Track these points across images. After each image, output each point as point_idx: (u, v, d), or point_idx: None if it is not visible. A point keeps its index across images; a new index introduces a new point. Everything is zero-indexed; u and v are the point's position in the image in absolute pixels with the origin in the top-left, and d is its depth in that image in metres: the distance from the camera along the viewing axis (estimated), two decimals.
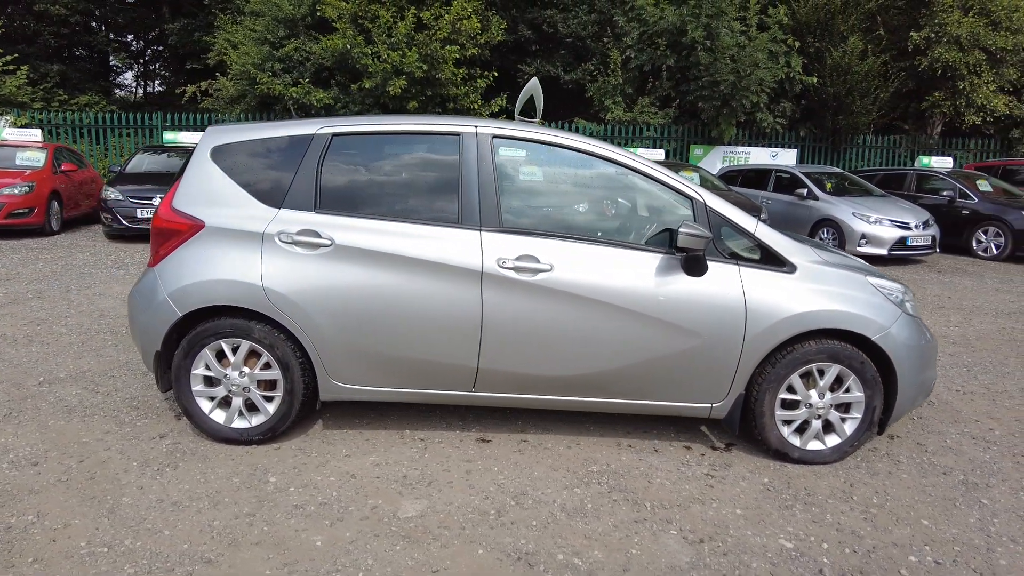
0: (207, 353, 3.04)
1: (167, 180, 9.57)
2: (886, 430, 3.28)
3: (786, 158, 15.25)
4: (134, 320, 3.14)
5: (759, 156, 15.19)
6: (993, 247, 10.32)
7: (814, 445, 3.18)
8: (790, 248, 3.10)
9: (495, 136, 3.09)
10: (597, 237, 3.06)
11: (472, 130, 3.08)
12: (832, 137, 15.61)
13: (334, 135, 3.08)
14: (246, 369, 3.07)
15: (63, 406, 3.51)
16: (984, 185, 11.09)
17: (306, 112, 13.20)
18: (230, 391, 3.09)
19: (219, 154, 3.09)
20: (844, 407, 3.17)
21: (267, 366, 3.07)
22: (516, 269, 2.95)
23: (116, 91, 24.79)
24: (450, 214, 3.03)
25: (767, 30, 13.95)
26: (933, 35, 13.97)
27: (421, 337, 3.00)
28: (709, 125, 14.76)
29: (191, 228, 3.02)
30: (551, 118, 15.52)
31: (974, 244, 10.49)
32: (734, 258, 3.06)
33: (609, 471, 3.03)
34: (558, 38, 16.68)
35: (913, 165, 14.04)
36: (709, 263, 3.00)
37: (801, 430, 3.18)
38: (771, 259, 3.07)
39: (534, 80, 3.40)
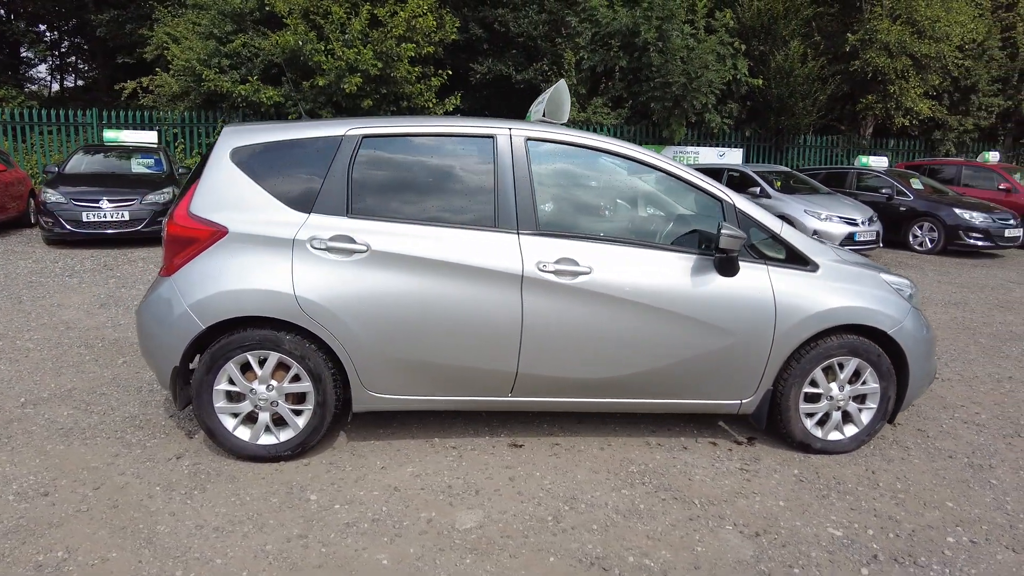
0: (231, 367, 2.88)
1: (112, 182, 9.00)
2: (896, 418, 3.46)
3: (732, 157, 15.81)
4: (147, 334, 2.93)
5: (707, 156, 15.68)
6: (928, 241, 11.03)
7: (834, 436, 3.31)
8: (812, 248, 3.22)
9: (529, 138, 3.06)
10: (631, 239, 3.08)
11: (506, 132, 3.04)
12: (775, 137, 16.31)
13: (364, 136, 2.97)
14: (274, 382, 2.92)
15: (57, 428, 3.24)
16: (917, 183, 11.85)
17: (255, 111, 12.71)
18: (257, 406, 2.94)
19: (240, 156, 2.93)
20: (860, 398, 3.32)
21: (296, 378, 2.93)
22: (556, 272, 2.93)
23: (28, 85, 23.05)
24: (486, 217, 2.98)
25: (715, 33, 14.43)
26: (867, 37, 14.81)
27: (460, 343, 2.94)
28: (660, 125, 15.14)
29: (213, 235, 2.84)
30: (504, 118, 15.53)
31: (911, 239, 11.19)
32: (762, 258, 3.15)
33: (649, 471, 3.06)
34: (509, 37, 16.70)
35: (851, 164, 14.83)
36: (740, 263, 3.07)
37: (822, 422, 3.30)
38: (796, 259, 3.17)
39: (562, 83, 3.39)
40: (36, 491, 2.68)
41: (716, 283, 3.05)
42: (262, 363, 2.90)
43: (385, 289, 2.86)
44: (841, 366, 3.23)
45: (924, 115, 15.55)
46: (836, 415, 3.29)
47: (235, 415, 2.95)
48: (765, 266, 3.12)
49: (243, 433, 2.96)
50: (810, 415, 3.28)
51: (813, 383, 3.23)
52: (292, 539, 2.42)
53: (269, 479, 2.84)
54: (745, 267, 3.09)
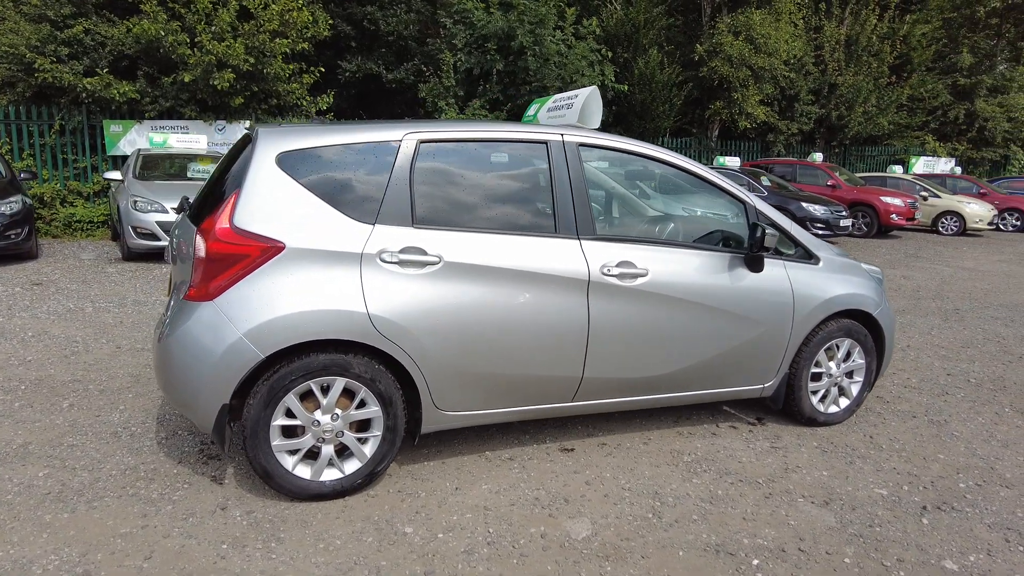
0: (292, 398, 2.57)
1: None
2: (872, 387, 3.97)
3: None
4: (182, 370, 2.52)
5: None
6: None
7: (832, 409, 3.72)
8: (815, 244, 3.59)
9: (580, 144, 3.08)
10: (676, 240, 3.23)
11: (559, 138, 3.03)
12: (639, 139, 17.54)
13: (421, 142, 2.80)
14: (338, 411, 2.66)
15: (43, 494, 2.67)
16: (765, 180, 13.45)
17: (103, 108, 11.14)
18: (321, 439, 2.65)
19: (289, 162, 2.61)
20: (849, 373, 3.77)
21: (361, 404, 2.69)
22: (619, 276, 2.99)
23: None
24: (547, 223, 2.96)
25: (583, 40, 15.19)
26: (712, 49, 16.47)
27: (531, 352, 2.89)
28: None
29: (265, 251, 2.52)
30: (376, 118, 15.09)
31: None
32: (778, 254, 3.46)
33: (700, 459, 3.24)
34: (379, 36, 16.26)
35: (708, 163, 16.42)
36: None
37: (822, 397, 3.70)
38: (804, 254, 3.52)
39: (594, 89, 3.43)
40: (73, 571, 2.20)
41: (748, 279, 3.30)
42: (325, 390, 2.63)
43: (459, 301, 2.73)
44: (837, 347, 3.64)
45: (760, 119, 17.63)
46: (834, 390, 3.71)
47: (293, 452, 2.64)
48: (782, 261, 3.43)
49: (303, 471, 2.66)
50: (814, 392, 3.66)
51: (817, 363, 3.61)
52: (431, 574, 2.24)
53: (346, 517, 2.59)
54: (767, 263, 3.37)
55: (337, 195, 2.65)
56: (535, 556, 2.39)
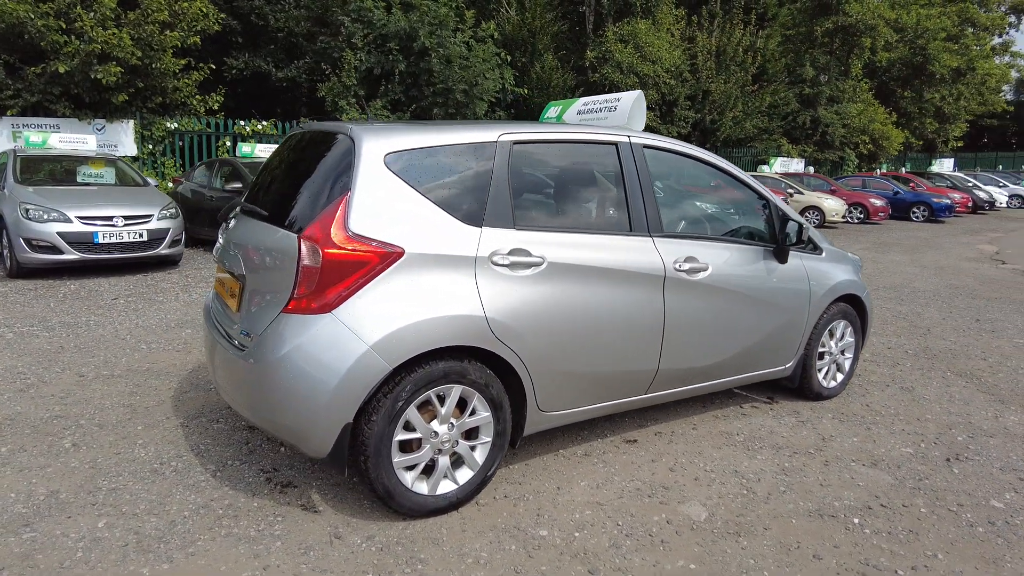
0: (412, 411, 2.46)
1: None
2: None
3: None
4: (296, 390, 2.31)
5: None
6: None
7: (832, 384, 4.17)
8: (818, 236, 4.00)
9: (644, 145, 3.20)
10: (725, 236, 3.46)
11: (626, 139, 3.14)
12: None
13: (514, 143, 2.77)
14: (453, 420, 2.58)
15: (120, 547, 2.32)
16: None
17: None
18: (438, 450, 2.56)
19: (398, 163, 2.49)
20: (842, 351, 4.23)
21: (471, 411, 2.63)
22: (688, 271, 3.16)
23: None
24: (623, 222, 3.05)
25: (482, 43, 15.34)
26: (602, 56, 17.34)
27: (619, 348, 2.98)
28: None
29: (385, 257, 2.38)
30: (269, 118, 14.26)
31: None
32: (794, 247, 3.81)
33: (750, 437, 3.50)
34: (268, 32, 15.34)
35: None
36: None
37: (825, 374, 4.13)
38: (812, 246, 3.91)
39: (640, 93, 3.55)
40: None
41: (778, 270, 3.62)
42: (441, 400, 2.54)
43: (559, 301, 2.75)
44: (836, 328, 4.08)
45: (647, 124, 18.81)
46: (833, 367, 4.15)
47: (411, 467, 2.52)
48: (798, 253, 3.79)
49: (420, 487, 2.55)
50: (820, 370, 4.07)
51: (822, 344, 4.02)
52: (595, 572, 2.25)
53: (472, 529, 2.52)
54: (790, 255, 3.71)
55: (445, 197, 2.57)
56: (675, 541, 2.48)
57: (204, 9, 11.54)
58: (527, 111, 17.13)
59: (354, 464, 2.44)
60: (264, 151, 10.65)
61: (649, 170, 3.18)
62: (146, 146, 11.44)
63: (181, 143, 11.90)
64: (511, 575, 2.25)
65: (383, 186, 2.44)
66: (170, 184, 10.61)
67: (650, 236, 3.10)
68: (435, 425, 2.53)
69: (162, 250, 7.67)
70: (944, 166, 26.90)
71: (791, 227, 3.53)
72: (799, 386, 4.03)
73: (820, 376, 4.05)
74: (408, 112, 15.16)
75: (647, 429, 3.56)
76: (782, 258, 3.61)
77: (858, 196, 19.05)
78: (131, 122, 11.18)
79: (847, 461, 3.24)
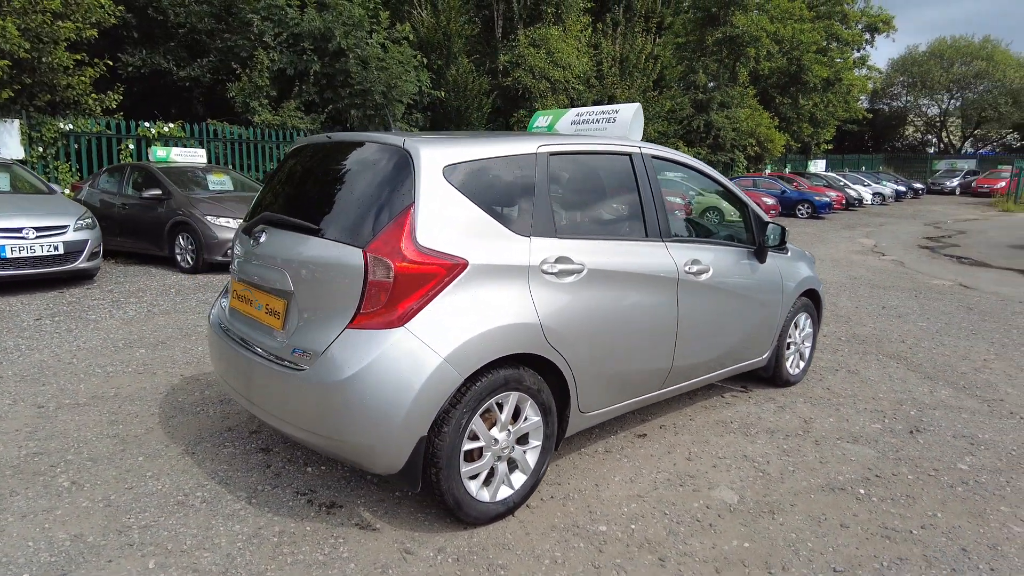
0: (477, 420, 2.50)
1: None
2: None
3: None
4: (378, 406, 2.28)
5: None
6: None
7: (795, 371, 4.58)
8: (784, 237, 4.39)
9: (653, 156, 3.39)
10: (718, 239, 3.72)
11: (638, 150, 3.31)
12: None
13: (550, 154, 2.86)
14: (510, 427, 2.64)
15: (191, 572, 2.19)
16: None
17: None
18: (498, 457, 2.61)
19: (455, 175, 2.50)
20: (803, 340, 4.66)
21: (524, 417, 2.70)
22: (695, 272, 3.39)
23: None
24: (639, 228, 3.23)
25: (398, 44, 15.15)
26: (515, 61, 17.62)
27: (644, 347, 3.15)
28: (359, 131, 15.21)
29: (451, 269, 2.40)
30: (170, 119, 13.34)
31: None
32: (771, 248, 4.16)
33: (743, 424, 3.80)
34: (168, 27, 14.29)
35: None
36: None
37: (791, 363, 4.54)
38: (781, 245, 4.29)
39: (638, 105, 3.71)
40: None
41: (759, 268, 3.95)
42: (500, 407, 2.59)
43: (598, 306, 2.88)
44: (799, 320, 4.50)
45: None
46: (796, 356, 4.57)
47: (474, 476, 2.56)
48: (772, 253, 4.15)
49: (483, 494, 2.58)
50: (787, 359, 4.47)
51: (789, 335, 4.42)
52: (656, 563, 2.39)
53: (536, 531, 2.59)
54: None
55: (497, 208, 2.62)
56: (721, 524, 2.68)
57: (100, 0, 10.60)
58: (444, 114, 17.10)
59: (424, 478, 2.44)
60: (181, 155, 9.96)
61: (657, 179, 3.38)
62: (35, 148, 10.32)
63: (77, 146, 10.84)
64: (591, 571, 2.35)
65: (443, 198, 2.46)
66: (66, 191, 9.66)
67: (662, 241, 3.30)
68: (495, 432, 2.58)
69: (80, 264, 7.01)
70: (818, 167, 29.66)
71: (772, 230, 3.87)
72: (772, 375, 4.40)
73: (788, 364, 4.45)
74: (324, 114, 14.70)
75: (651, 423, 3.77)
76: (762, 258, 3.95)
77: (751, 195, 20.58)
78: (16, 121, 10.06)
79: (833, 440, 3.60)
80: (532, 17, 19.43)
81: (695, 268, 3.39)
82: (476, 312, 2.44)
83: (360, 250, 2.36)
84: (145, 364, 4.59)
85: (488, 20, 20.11)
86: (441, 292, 2.39)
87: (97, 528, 2.52)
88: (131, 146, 11.47)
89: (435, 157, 2.49)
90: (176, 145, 11.68)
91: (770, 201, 19.91)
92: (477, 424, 2.50)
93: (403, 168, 2.47)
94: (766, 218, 4.11)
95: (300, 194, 2.87)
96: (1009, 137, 46.25)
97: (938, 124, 49.95)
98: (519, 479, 2.72)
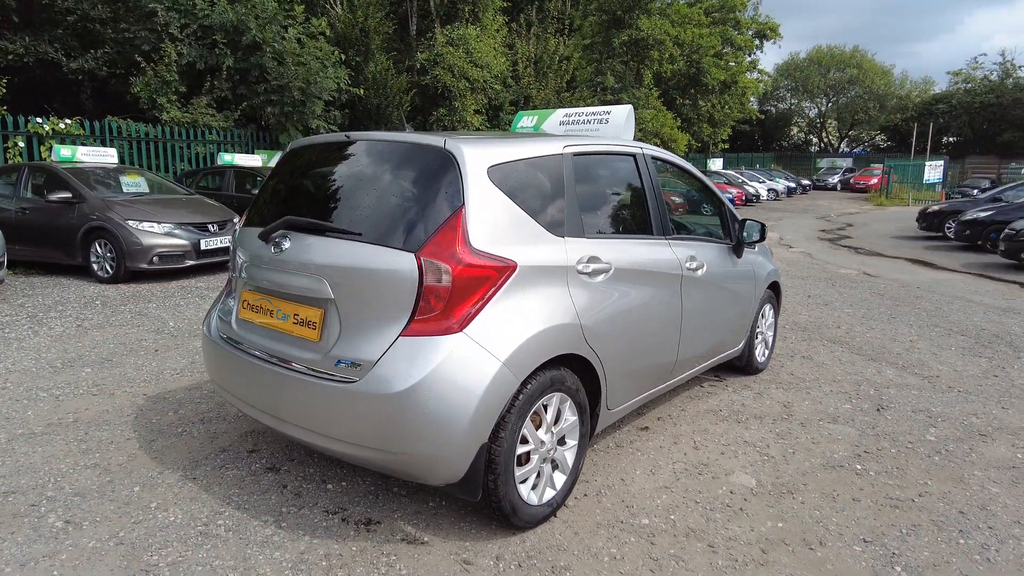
0: (528, 423, 2.48)
1: None
2: None
3: None
4: (442, 415, 2.21)
5: None
6: None
7: (762, 359, 4.88)
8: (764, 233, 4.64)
9: (652, 157, 3.49)
10: (708, 237, 3.89)
11: (640, 151, 3.40)
12: None
13: (574, 155, 2.88)
14: (553, 428, 2.64)
15: None
16: None
17: None
18: (544, 459, 2.60)
19: (498, 176, 2.47)
20: (767, 329, 4.97)
21: (563, 417, 2.71)
22: (694, 268, 3.53)
23: None
24: (647, 227, 3.32)
25: (315, 39, 14.59)
26: (434, 59, 17.45)
27: (658, 342, 3.25)
28: (276, 130, 14.50)
29: (502, 271, 2.37)
30: (59, 115, 12.16)
31: None
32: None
33: (732, 412, 4.00)
34: (54, 14, 12.97)
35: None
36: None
37: (759, 351, 4.82)
38: (760, 241, 4.54)
39: (629, 107, 3.78)
40: None
41: (738, 263, 4.16)
42: (545, 408, 2.59)
43: (624, 304, 2.94)
44: (765, 311, 4.79)
45: (475, 127, 19.35)
46: (763, 345, 4.86)
47: (523, 480, 2.54)
48: (746, 247, 4.39)
49: (532, 497, 2.57)
50: (755, 348, 4.75)
51: (758, 325, 4.70)
52: (715, 546, 2.48)
53: (584, 530, 2.62)
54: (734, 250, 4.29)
55: (535, 208, 2.61)
56: (750, 507, 2.82)
57: None
58: (364, 112, 16.65)
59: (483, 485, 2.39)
60: (89, 155, 9.08)
61: (658, 178, 3.49)
62: None
63: None
64: (650, 563, 2.41)
65: (490, 200, 2.42)
66: None
67: (666, 239, 3.41)
68: (541, 434, 2.58)
69: None
70: (717, 165, 31.49)
71: (751, 226, 4.08)
72: (745, 364, 4.65)
73: (757, 353, 4.73)
74: (238, 111, 13.90)
75: (648, 416, 3.88)
76: (739, 253, 4.17)
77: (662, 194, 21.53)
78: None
79: (816, 421, 3.87)
80: (449, 15, 19.31)
81: (693, 264, 3.53)
82: (526, 315, 2.42)
83: (412, 255, 2.28)
84: (97, 384, 4.18)
85: (403, 17, 19.78)
86: (495, 295, 2.35)
87: (119, 570, 2.28)
88: (20, 144, 10.33)
89: (479, 158, 2.45)
90: (75, 144, 10.65)
91: (679, 200, 20.90)
92: (528, 427, 2.49)
93: (448, 170, 2.40)
94: (738, 215, 4.34)
95: (324, 197, 2.72)
96: (878, 138, 51.18)
97: (818, 125, 54.47)
98: (560, 480, 2.73)
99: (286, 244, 2.57)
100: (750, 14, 36.83)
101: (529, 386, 2.44)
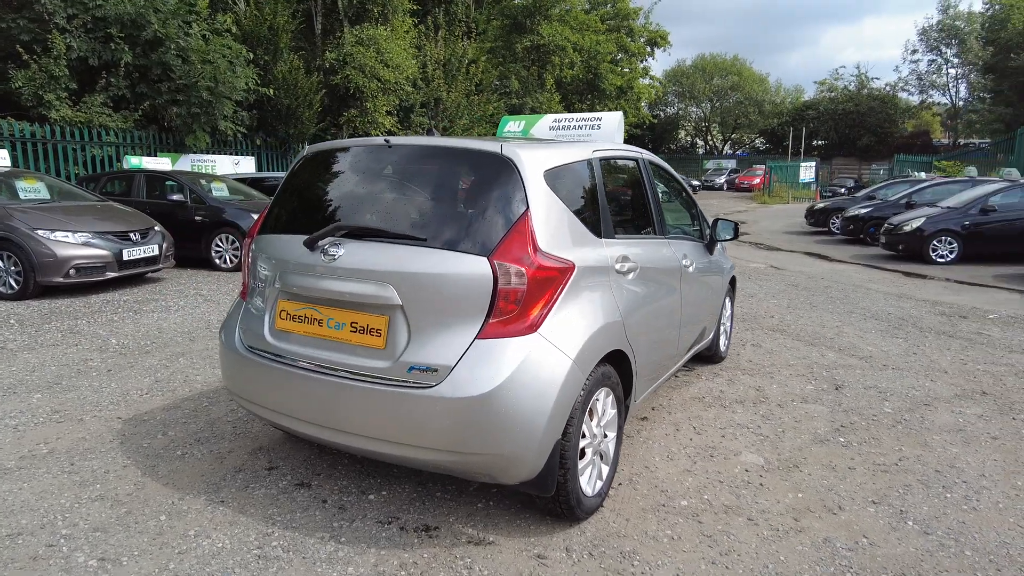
0: (587, 417, 2.59)
1: None
2: None
3: (247, 166, 15.63)
4: (524, 414, 2.27)
5: (224, 164, 14.99)
6: None
7: (723, 347, 5.26)
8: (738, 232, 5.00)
9: (649, 161, 3.69)
10: (691, 235, 4.16)
11: (640, 156, 3.60)
12: (283, 145, 16.84)
13: (600, 159, 3.02)
14: (603, 421, 2.77)
15: None
16: None
17: None
18: (597, 452, 2.72)
19: (551, 180, 2.55)
20: (727, 320, 5.35)
21: (604, 411, 2.84)
22: (687, 265, 3.79)
23: None
24: (652, 227, 3.52)
25: (220, 36, 13.80)
26: (343, 59, 17.01)
27: (667, 335, 3.46)
28: (182, 132, 13.56)
29: (564, 272, 2.47)
30: None
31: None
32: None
33: (716, 398, 4.30)
34: None
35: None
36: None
37: (722, 340, 5.19)
38: (734, 239, 4.88)
39: (620, 113, 3.94)
40: None
41: (711, 259, 4.49)
42: (595, 403, 2.70)
43: (648, 300, 3.13)
44: (726, 303, 5.18)
45: (387, 128, 19.05)
46: (724, 335, 5.24)
47: (582, 473, 2.64)
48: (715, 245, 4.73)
49: (588, 489, 2.68)
50: (720, 337, 5.12)
51: (722, 316, 5.07)
52: (754, 519, 2.70)
53: (634, 517, 2.76)
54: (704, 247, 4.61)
55: (579, 211, 2.72)
56: (768, 482, 3.09)
57: None
58: (274, 113, 15.95)
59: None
60: None
61: (655, 180, 3.71)
62: None
63: None
64: (705, 539, 2.59)
65: (549, 203, 2.50)
66: None
67: (665, 237, 3.63)
68: (593, 427, 2.69)
69: None
70: None
71: (725, 226, 4.40)
72: (712, 353, 5.00)
73: (720, 342, 5.09)
74: (138, 111, 12.87)
75: (642, 407, 4.10)
76: (711, 249, 4.49)
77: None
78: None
79: (790, 402, 4.25)
80: (358, 15, 18.88)
81: (686, 261, 3.78)
82: (585, 313, 2.53)
83: (485, 258, 2.32)
84: (56, 411, 3.80)
85: (308, 15, 19.10)
86: (560, 296, 2.44)
87: None
88: None
89: (536, 163, 2.52)
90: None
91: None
92: (587, 421, 2.60)
93: (508, 174, 2.45)
94: (704, 215, 4.67)
95: (372, 203, 2.66)
96: (757, 141, 55.53)
97: (704, 128, 58.23)
98: (604, 470, 2.85)
99: (339, 251, 2.50)
100: (641, 22, 38.77)
101: (589, 381, 2.55)
